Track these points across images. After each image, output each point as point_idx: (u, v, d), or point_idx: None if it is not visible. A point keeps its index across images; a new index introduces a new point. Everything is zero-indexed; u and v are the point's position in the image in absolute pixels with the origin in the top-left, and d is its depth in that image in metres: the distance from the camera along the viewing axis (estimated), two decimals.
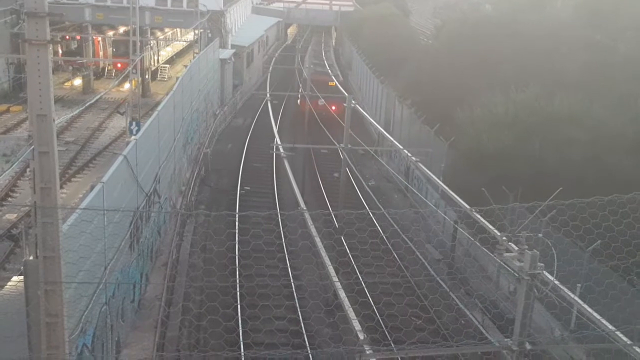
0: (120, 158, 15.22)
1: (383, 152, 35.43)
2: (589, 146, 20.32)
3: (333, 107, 36.39)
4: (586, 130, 21.08)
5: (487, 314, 18.58)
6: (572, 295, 9.06)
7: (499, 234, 8.75)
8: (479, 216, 12.74)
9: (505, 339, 8.65)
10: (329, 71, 45.60)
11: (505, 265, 8.22)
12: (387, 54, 44.49)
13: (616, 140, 20.30)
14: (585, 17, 28.57)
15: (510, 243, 8.48)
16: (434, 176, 17.61)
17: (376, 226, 25.86)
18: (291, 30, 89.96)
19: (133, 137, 22.29)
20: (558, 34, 27.48)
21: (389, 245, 24.10)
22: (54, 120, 9.26)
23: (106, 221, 13.51)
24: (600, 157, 20.06)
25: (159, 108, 21.06)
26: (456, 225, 22.38)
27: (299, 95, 41.07)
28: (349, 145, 19.77)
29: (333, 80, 38.85)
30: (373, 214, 25.61)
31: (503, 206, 11.01)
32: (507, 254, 8.27)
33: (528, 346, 8.37)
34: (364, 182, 27.96)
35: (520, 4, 40.52)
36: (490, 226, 12.14)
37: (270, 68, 50.12)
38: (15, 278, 15.04)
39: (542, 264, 8.14)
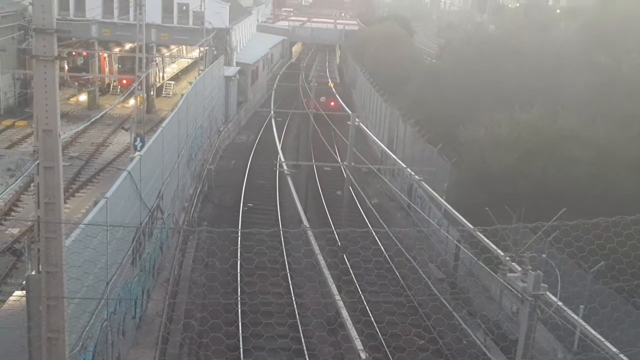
0: (124, 174, 15.26)
1: (386, 170, 35.48)
2: (592, 166, 20.30)
3: (332, 103, 44.91)
4: (589, 149, 21.06)
5: (490, 334, 18.44)
6: (576, 317, 9.00)
7: (502, 254, 8.72)
8: (482, 236, 12.70)
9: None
10: (328, 75, 58.41)
11: (509, 286, 8.17)
12: (391, 72, 44.67)
13: (619, 160, 20.28)
14: (589, 38, 28.70)
15: (513, 263, 8.45)
16: (437, 195, 17.60)
17: (379, 245, 25.80)
18: (296, 49, 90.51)
19: (137, 152, 22.39)
20: (561, 55, 27.58)
21: (392, 264, 24.02)
22: (59, 135, 9.30)
23: (109, 237, 13.51)
24: (603, 177, 20.03)
25: (164, 124, 21.16)
26: (459, 245, 22.30)
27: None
28: (353, 164, 19.79)
29: (331, 83, 52.25)
30: (376, 232, 25.57)
31: (506, 226, 10.98)
32: (511, 275, 8.24)
33: None
34: (367, 200, 27.93)
35: (524, 25, 40.77)
36: (494, 246, 12.11)
37: (275, 85, 50.36)
38: (17, 293, 15.04)
39: (545, 285, 8.10)
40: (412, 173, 19.05)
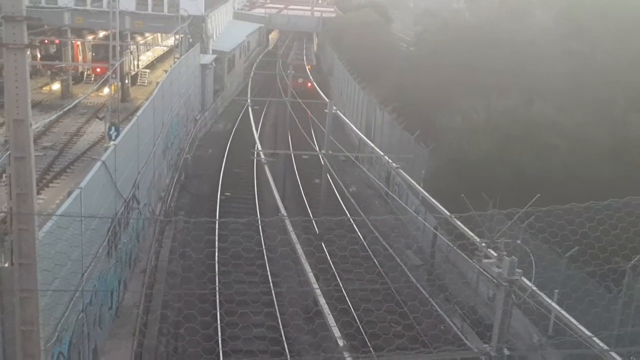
0: (98, 164, 15.07)
1: (364, 158, 35.56)
2: (567, 153, 20.56)
3: (309, 84, 47.85)
4: (565, 137, 21.32)
5: (466, 320, 18.65)
6: (550, 301, 9.13)
7: (478, 240, 8.80)
8: (458, 222, 12.79)
9: (484, 345, 8.68)
10: (305, 61, 62.23)
11: (484, 272, 8.26)
12: (368, 60, 44.66)
13: (594, 147, 20.56)
14: (564, 26, 28.95)
15: (489, 249, 8.53)
16: (414, 182, 17.67)
17: (357, 232, 25.89)
18: (272, 36, 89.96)
19: (112, 142, 22.13)
20: (537, 42, 27.80)
21: (369, 252, 24.13)
22: (31, 125, 9.13)
23: (83, 228, 13.36)
24: (578, 164, 20.30)
25: (139, 113, 20.93)
26: (436, 232, 22.46)
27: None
28: (330, 152, 19.78)
29: (309, 65, 59.78)
30: (353, 220, 25.64)
31: (482, 213, 11.07)
32: (486, 260, 8.32)
33: (506, 352, 8.42)
34: (344, 189, 27.99)
35: (500, 13, 40.96)
36: (470, 232, 12.21)
37: (252, 74, 50.08)
38: None
39: (520, 270, 8.19)
40: (390, 161, 19.08)
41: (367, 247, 24.57)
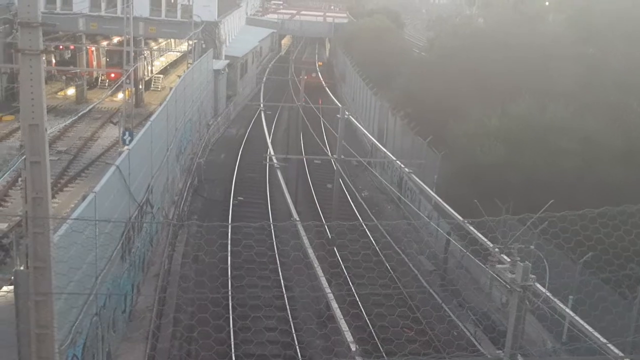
0: (112, 168, 15.18)
1: (376, 163, 35.52)
2: (580, 158, 20.44)
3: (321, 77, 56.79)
4: (577, 142, 21.20)
5: (480, 325, 18.55)
6: (564, 307, 9.07)
7: (491, 245, 8.76)
8: (471, 228, 12.76)
9: (497, 351, 8.64)
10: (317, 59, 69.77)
11: (498, 277, 8.22)
12: (380, 66, 44.68)
13: (607, 152, 20.42)
14: (576, 31, 28.81)
15: (502, 255, 8.50)
16: (427, 187, 17.66)
17: (369, 237, 25.85)
18: (284, 42, 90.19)
19: (126, 147, 22.26)
20: (550, 47, 27.68)
21: (382, 257, 24.08)
22: (46, 130, 9.23)
23: (97, 231, 13.45)
24: (591, 168, 20.17)
25: (152, 118, 21.06)
26: (449, 237, 22.40)
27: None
28: (342, 156, 19.79)
29: (320, 62, 68.74)
30: (366, 225, 25.61)
31: (495, 218, 11.02)
32: (500, 266, 8.28)
33: (520, 358, 8.37)
34: (357, 193, 27.96)
35: (512, 18, 40.84)
36: (483, 238, 12.16)
37: (264, 79, 50.25)
38: (5, 288, 14.97)
39: (534, 276, 8.15)
40: (402, 165, 19.06)
41: (379, 251, 24.52)
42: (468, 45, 33.37)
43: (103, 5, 43.92)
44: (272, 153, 21.58)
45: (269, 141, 36.43)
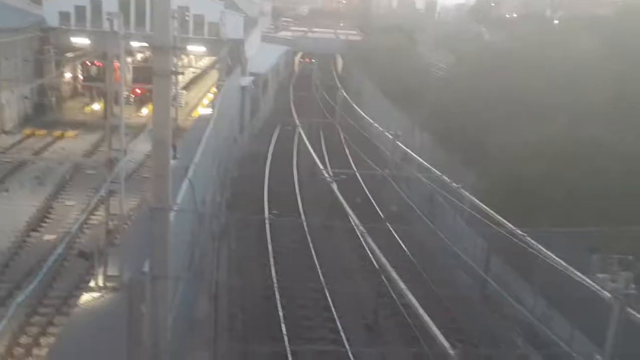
0: (186, 181, 15.84)
1: (400, 179, 36.18)
2: (619, 173, 21.08)
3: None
4: (615, 157, 21.84)
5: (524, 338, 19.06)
6: None
7: (595, 257, 9.37)
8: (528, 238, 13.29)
9: (597, 356, 9.24)
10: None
11: (595, 286, 8.86)
12: (399, 82, 45.44)
13: None
14: (610, 49, 29.59)
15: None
16: (477, 200, 18.25)
17: (405, 250, 26.46)
18: (295, 60, 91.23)
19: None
20: (583, 66, 28.44)
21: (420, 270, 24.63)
22: (172, 147, 9.93)
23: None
24: (630, 184, 20.81)
25: (206, 134, 21.76)
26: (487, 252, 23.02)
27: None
28: (394, 172, 20.50)
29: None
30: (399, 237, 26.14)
31: (595, 228, 11.60)
32: (601, 275, 8.92)
33: None
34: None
35: (528, 37, 41.72)
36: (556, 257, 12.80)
37: (291, 96, 50.89)
38: (86, 295, 15.58)
39: (634, 285, 8.79)
40: (450, 181, 19.74)
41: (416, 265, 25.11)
42: (495, 66, 34.16)
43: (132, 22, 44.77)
44: (322, 167, 22.27)
45: (294, 162, 37.37)
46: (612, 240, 13.31)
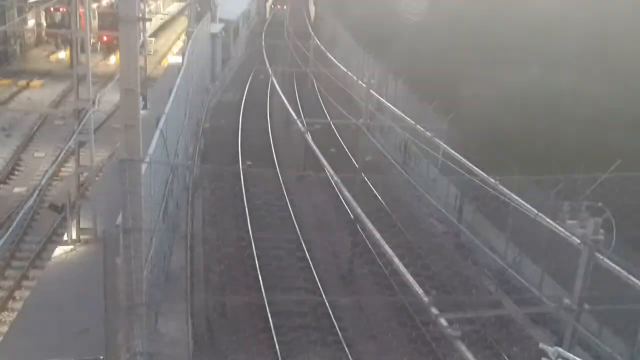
0: (157, 132, 15.54)
1: (375, 127, 36.06)
2: (593, 124, 21.35)
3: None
4: (588, 107, 22.08)
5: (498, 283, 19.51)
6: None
7: (565, 203, 9.47)
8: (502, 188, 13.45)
9: (565, 300, 9.45)
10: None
11: (565, 232, 8.98)
12: (373, 30, 44.93)
13: (619, 117, 21.30)
14: None
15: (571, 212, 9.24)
16: (451, 150, 18.30)
17: (379, 199, 26.61)
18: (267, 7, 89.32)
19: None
20: (551, 10, 28.31)
21: (394, 219, 24.87)
22: (140, 95, 9.65)
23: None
24: (602, 133, 21.11)
25: (177, 82, 21.30)
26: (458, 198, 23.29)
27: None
28: (368, 121, 20.39)
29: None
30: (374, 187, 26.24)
31: (587, 175, 11.70)
32: (570, 222, 9.04)
33: (587, 306, 9.20)
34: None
35: None
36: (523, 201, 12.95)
37: (263, 43, 50.01)
38: (59, 248, 15.45)
39: (602, 230, 8.94)
40: (423, 130, 19.74)
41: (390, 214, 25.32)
42: (469, 11, 33.88)
43: None
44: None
45: (268, 109, 36.97)
46: (582, 186, 13.52)
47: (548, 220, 11.12)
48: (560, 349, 5.65)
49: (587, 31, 27.64)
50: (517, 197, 15.40)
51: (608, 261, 9.41)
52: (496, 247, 22.40)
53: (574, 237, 9.01)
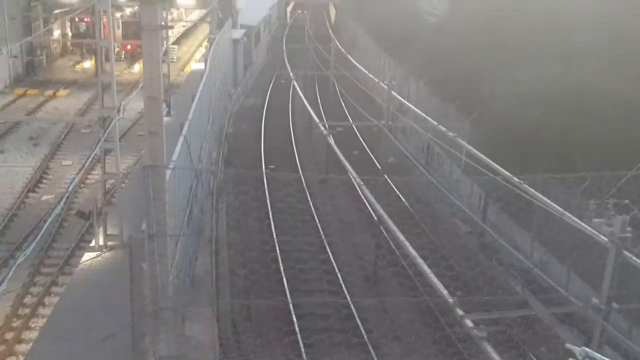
0: (181, 138, 15.72)
1: (397, 129, 36.00)
2: (615, 121, 21.05)
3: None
4: (609, 103, 21.76)
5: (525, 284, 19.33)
6: None
7: (590, 202, 9.39)
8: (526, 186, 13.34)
9: (594, 300, 9.35)
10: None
11: (593, 231, 8.90)
12: (394, 32, 44.84)
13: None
14: None
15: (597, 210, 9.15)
16: (474, 149, 18.20)
17: (403, 201, 26.56)
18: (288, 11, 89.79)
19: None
20: (579, 11, 28.02)
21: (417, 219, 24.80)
22: (163, 102, 9.79)
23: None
24: (627, 132, 20.80)
25: (200, 89, 21.52)
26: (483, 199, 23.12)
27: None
28: (390, 122, 20.39)
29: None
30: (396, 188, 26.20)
31: (600, 174, 11.59)
32: (597, 220, 8.96)
33: (615, 305, 9.10)
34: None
35: None
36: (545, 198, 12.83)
37: (284, 47, 50.24)
38: (87, 255, 15.70)
39: (630, 228, 8.84)
40: (446, 130, 19.67)
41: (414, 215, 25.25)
42: (488, 10, 33.67)
43: None
44: (317, 120, 22.13)
45: (290, 113, 37.03)
46: (607, 184, 13.38)
47: (574, 218, 11.00)
48: (587, 349, 5.59)
49: (609, 26, 27.24)
50: (542, 196, 15.27)
51: (636, 259, 9.29)
52: (521, 247, 22.22)
53: (601, 236, 8.90)
